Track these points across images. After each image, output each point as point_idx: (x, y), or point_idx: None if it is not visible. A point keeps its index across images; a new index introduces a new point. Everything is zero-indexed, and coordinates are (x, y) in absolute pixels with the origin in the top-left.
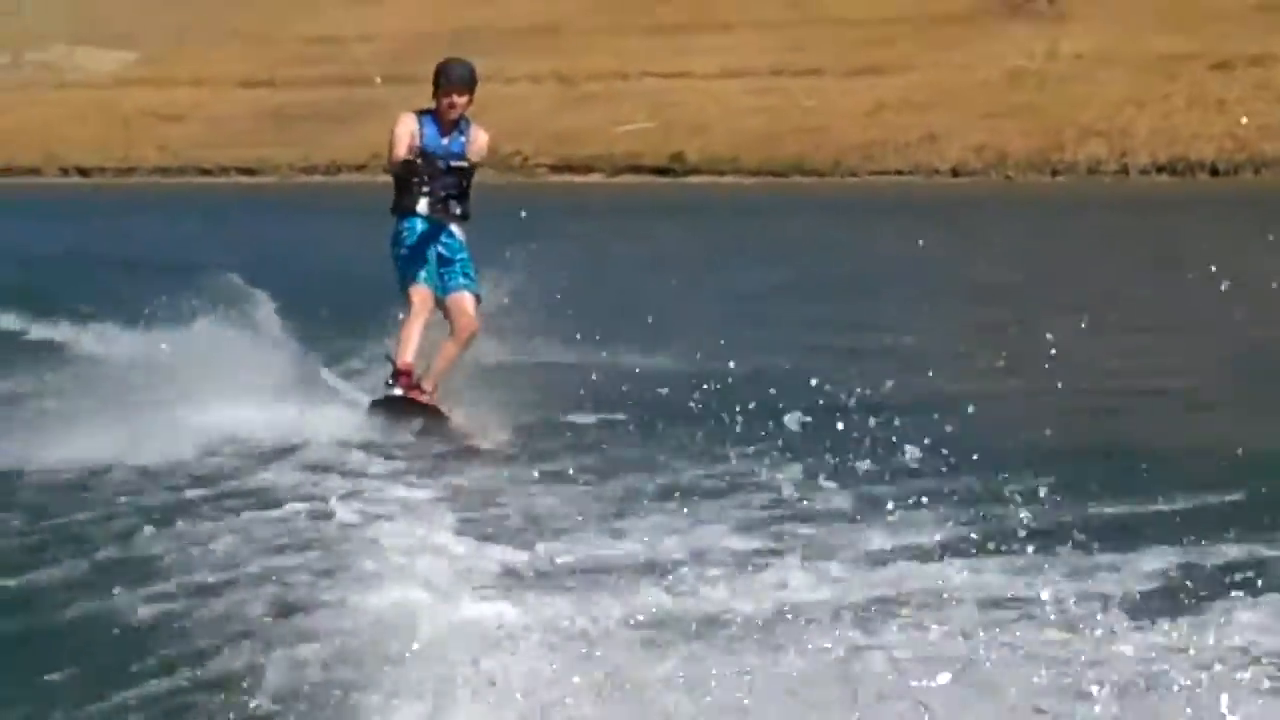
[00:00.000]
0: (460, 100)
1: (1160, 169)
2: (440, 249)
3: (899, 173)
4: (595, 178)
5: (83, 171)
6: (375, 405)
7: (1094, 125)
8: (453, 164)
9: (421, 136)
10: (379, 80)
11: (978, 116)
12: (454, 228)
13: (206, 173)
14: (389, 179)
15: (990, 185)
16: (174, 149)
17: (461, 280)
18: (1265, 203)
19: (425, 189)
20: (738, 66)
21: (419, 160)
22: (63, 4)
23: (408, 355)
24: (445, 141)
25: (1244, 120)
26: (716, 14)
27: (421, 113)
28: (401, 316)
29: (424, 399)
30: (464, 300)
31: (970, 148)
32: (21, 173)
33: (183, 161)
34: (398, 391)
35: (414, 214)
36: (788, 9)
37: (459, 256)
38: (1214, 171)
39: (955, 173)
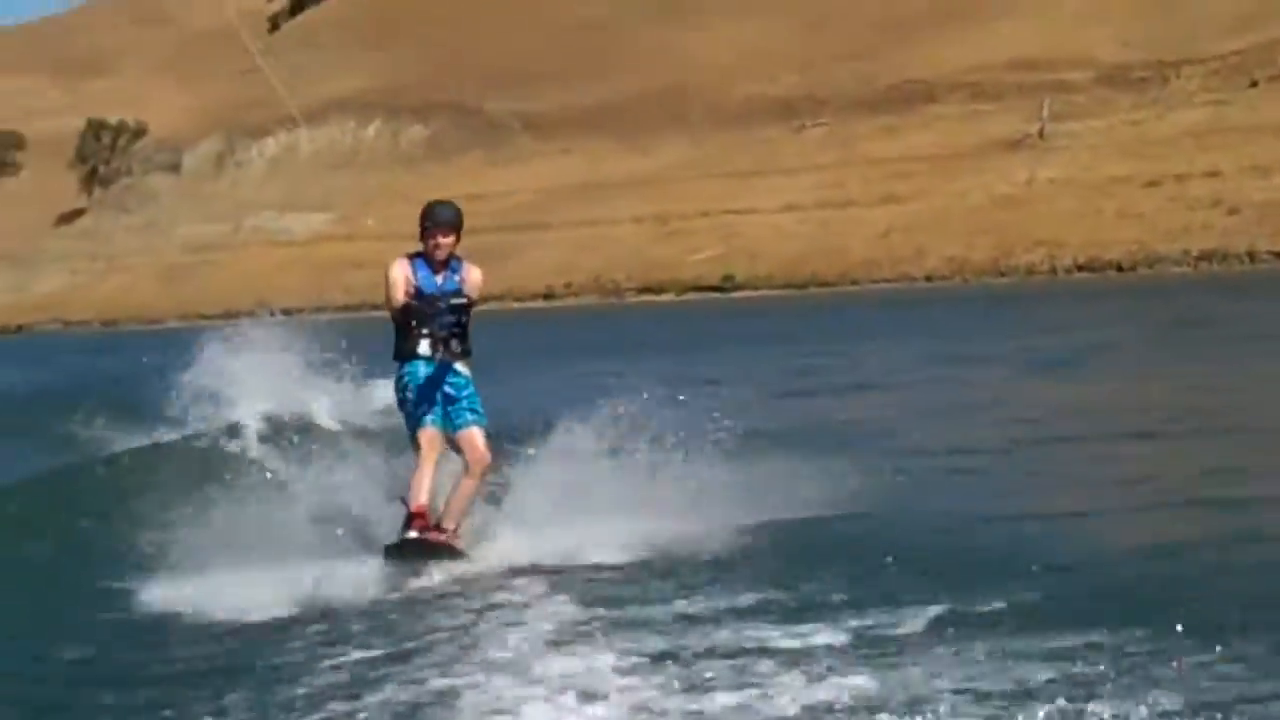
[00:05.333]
0: (445, 240)
1: (1080, 268)
2: (446, 388)
3: (887, 281)
4: (666, 296)
5: (286, 312)
6: (391, 551)
7: (1040, 236)
8: (453, 301)
9: (415, 281)
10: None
11: (960, 234)
12: (459, 365)
13: (375, 307)
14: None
15: (951, 287)
16: (357, 290)
17: (469, 416)
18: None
19: (425, 331)
20: (791, 202)
21: (416, 302)
22: (273, 178)
23: (421, 498)
24: (439, 281)
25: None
26: (781, 162)
27: (412, 256)
28: (412, 461)
29: (441, 539)
30: (474, 435)
31: (943, 259)
32: (238, 315)
33: (360, 300)
34: (412, 534)
35: (416, 358)
36: (835, 153)
37: (465, 393)
38: (1119, 268)
39: (929, 279)
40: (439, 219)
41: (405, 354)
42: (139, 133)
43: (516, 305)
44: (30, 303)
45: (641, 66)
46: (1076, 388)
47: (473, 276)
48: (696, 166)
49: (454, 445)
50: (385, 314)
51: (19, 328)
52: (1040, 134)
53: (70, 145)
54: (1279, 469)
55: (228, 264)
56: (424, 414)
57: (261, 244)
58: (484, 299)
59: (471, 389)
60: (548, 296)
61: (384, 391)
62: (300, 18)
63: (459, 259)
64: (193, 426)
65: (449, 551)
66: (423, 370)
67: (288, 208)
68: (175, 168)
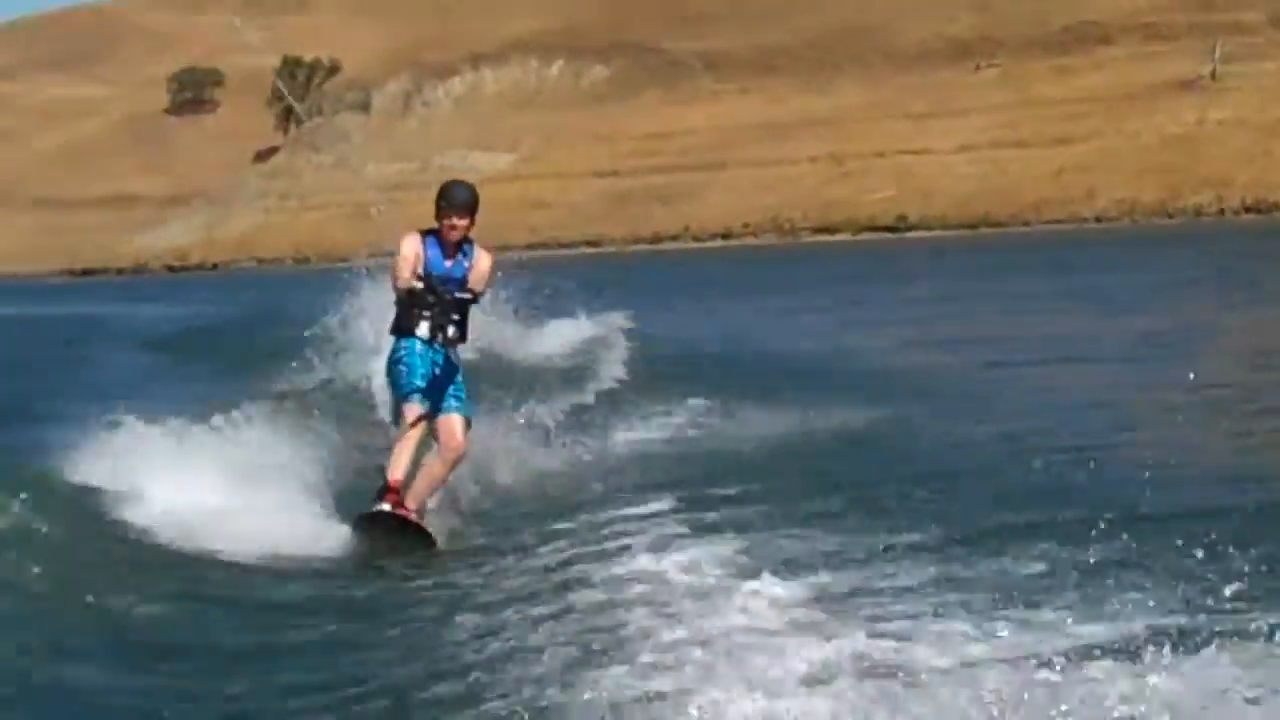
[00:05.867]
0: (460, 223)
1: (1248, 209)
2: (436, 370)
3: (1058, 221)
4: (841, 236)
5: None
6: (362, 522)
7: (1208, 177)
8: (457, 295)
9: (426, 260)
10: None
11: (1130, 175)
12: (453, 351)
13: (561, 245)
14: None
15: (1120, 228)
16: (541, 229)
17: (453, 403)
18: None
19: (426, 313)
20: (965, 142)
21: (422, 286)
22: (458, 118)
23: (398, 473)
24: (449, 265)
25: None
26: (956, 102)
27: (426, 233)
28: (395, 433)
29: (412, 518)
30: (454, 423)
31: (1113, 200)
32: None
33: (543, 238)
34: (385, 507)
35: (413, 335)
36: (1009, 94)
37: (454, 379)
38: None
39: (1099, 219)
40: (455, 200)
41: (403, 330)
42: (333, 70)
43: (695, 245)
44: (226, 240)
45: (821, 7)
46: (1085, 321)
47: (481, 265)
48: (873, 107)
49: (430, 429)
50: (571, 252)
51: (214, 265)
52: (1212, 75)
53: (267, 83)
54: (1086, 384)
55: (415, 202)
56: (413, 391)
57: None
58: (489, 288)
59: (460, 375)
60: (725, 236)
61: (547, 338)
62: None
63: (471, 242)
64: (342, 366)
65: (419, 533)
66: (418, 348)
67: (473, 146)
68: (365, 107)
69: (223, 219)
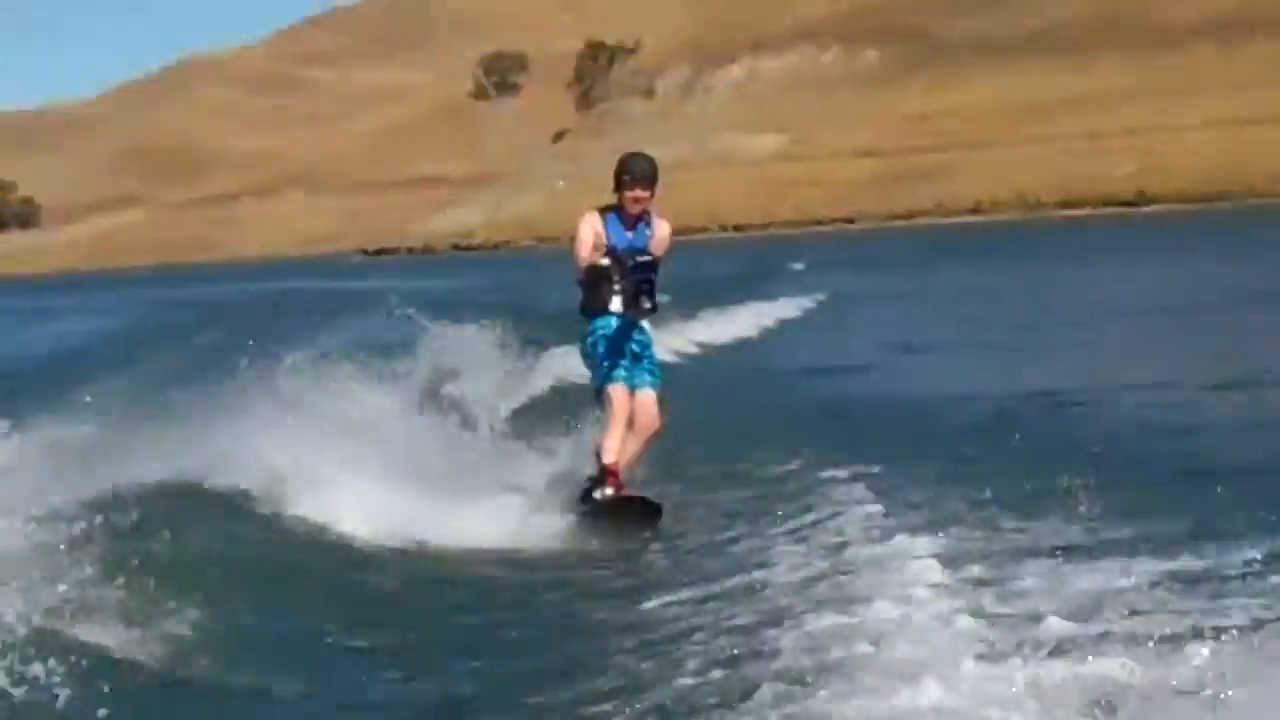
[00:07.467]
0: (643, 195)
1: None
2: (632, 345)
3: None
4: (1084, 210)
5: (737, 228)
6: (591, 512)
7: None
8: (639, 259)
9: (606, 236)
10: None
11: None
12: (644, 323)
13: (818, 223)
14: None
15: None
16: (803, 207)
17: (647, 378)
18: None
19: (616, 286)
20: (1213, 119)
21: (607, 260)
22: (735, 102)
23: (613, 455)
24: (630, 236)
25: None
26: (1208, 81)
27: (604, 210)
28: (599, 415)
29: (636, 494)
30: (649, 398)
31: None
32: (693, 231)
33: (807, 216)
34: (609, 491)
35: (607, 312)
36: (1264, 73)
37: (647, 353)
38: None
39: None
40: (636, 172)
41: (595, 308)
42: (632, 50)
43: (946, 221)
44: (509, 220)
45: None
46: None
47: (660, 232)
48: (1128, 86)
49: None
50: (826, 229)
51: (496, 245)
52: None
53: (569, 66)
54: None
55: (688, 183)
56: (614, 370)
57: (720, 164)
58: (669, 252)
59: (652, 349)
60: (974, 211)
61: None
62: None
63: (650, 213)
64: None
65: (648, 507)
66: (614, 324)
67: (745, 129)
68: (649, 92)
69: (509, 199)
